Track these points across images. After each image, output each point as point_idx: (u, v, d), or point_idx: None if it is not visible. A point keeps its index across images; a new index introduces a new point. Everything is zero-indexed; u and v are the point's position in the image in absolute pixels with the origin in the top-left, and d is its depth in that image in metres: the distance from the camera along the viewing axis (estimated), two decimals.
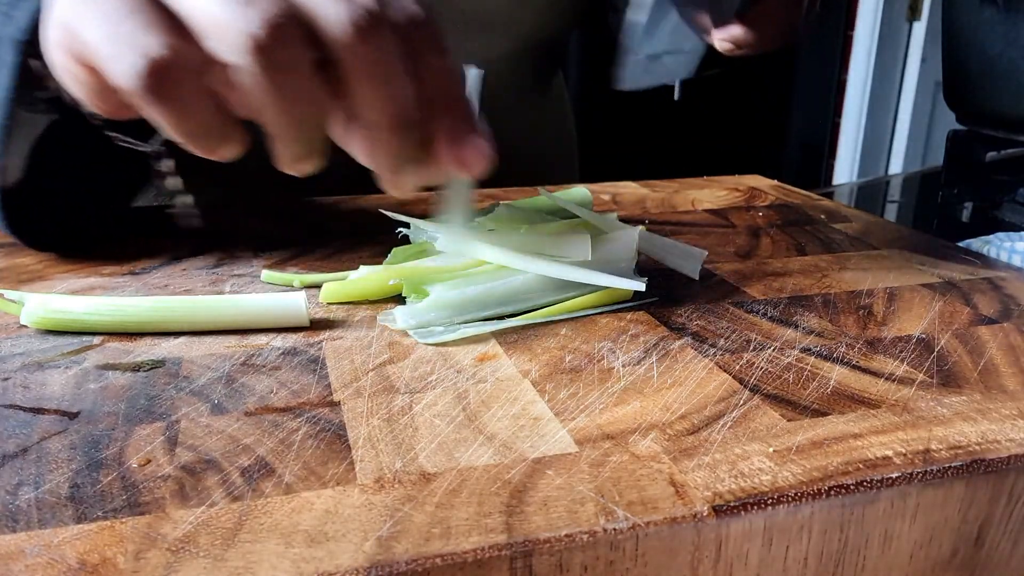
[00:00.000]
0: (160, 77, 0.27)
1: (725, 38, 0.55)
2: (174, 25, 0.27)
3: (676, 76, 0.57)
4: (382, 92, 0.28)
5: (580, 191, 0.51)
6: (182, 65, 0.27)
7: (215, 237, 0.46)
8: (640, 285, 0.35)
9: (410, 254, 0.39)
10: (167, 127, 0.28)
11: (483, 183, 0.58)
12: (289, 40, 0.28)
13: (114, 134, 0.38)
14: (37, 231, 0.43)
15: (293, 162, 0.31)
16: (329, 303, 0.36)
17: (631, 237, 0.38)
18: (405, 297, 0.35)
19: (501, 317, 0.34)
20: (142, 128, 0.36)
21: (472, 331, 0.33)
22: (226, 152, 0.30)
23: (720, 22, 0.53)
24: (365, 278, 0.36)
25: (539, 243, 0.37)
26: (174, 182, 0.41)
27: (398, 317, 0.33)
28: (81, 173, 0.44)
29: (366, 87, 0.28)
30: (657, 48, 0.55)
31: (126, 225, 0.49)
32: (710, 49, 0.57)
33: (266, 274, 0.39)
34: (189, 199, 0.45)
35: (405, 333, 0.33)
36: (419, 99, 0.29)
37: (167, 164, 0.41)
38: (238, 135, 0.29)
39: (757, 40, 0.55)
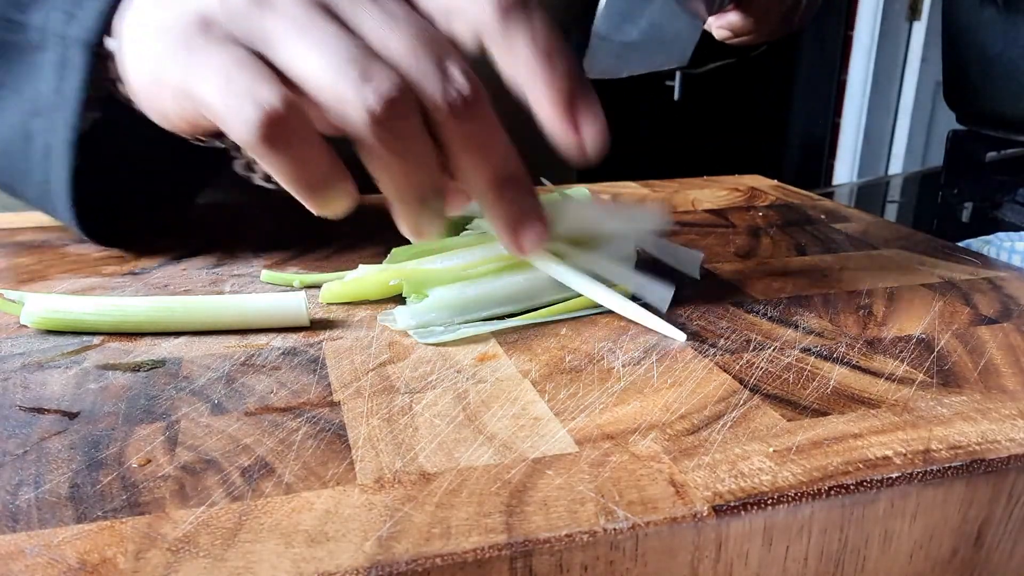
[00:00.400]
0: (276, 127, 0.28)
1: (722, 25, 0.55)
2: (285, 78, 0.29)
3: (658, 66, 0.51)
4: (483, 160, 0.31)
5: (580, 191, 0.51)
6: (298, 115, 0.28)
7: (215, 237, 0.46)
8: (664, 303, 0.36)
9: (410, 254, 0.39)
10: (282, 177, 0.30)
11: None
12: (405, 112, 0.30)
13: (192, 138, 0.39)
14: (108, 228, 0.44)
15: (417, 229, 0.32)
16: (329, 303, 0.36)
17: (585, 201, 0.38)
18: (405, 297, 0.35)
19: (501, 317, 0.34)
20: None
21: (472, 331, 0.33)
22: (337, 206, 0.31)
23: (717, 8, 0.52)
24: (365, 278, 0.36)
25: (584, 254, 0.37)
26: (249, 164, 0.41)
27: (398, 317, 0.33)
28: (142, 168, 0.45)
29: (470, 155, 0.31)
30: (634, 34, 0.49)
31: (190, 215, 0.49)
32: (709, 40, 0.56)
33: (266, 274, 0.39)
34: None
35: (405, 333, 0.33)
36: (516, 149, 0.32)
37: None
38: (350, 190, 0.30)
39: (755, 27, 0.55)
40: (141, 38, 0.33)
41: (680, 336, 0.33)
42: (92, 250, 0.44)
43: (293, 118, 0.29)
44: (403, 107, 0.29)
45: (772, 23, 0.56)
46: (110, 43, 0.36)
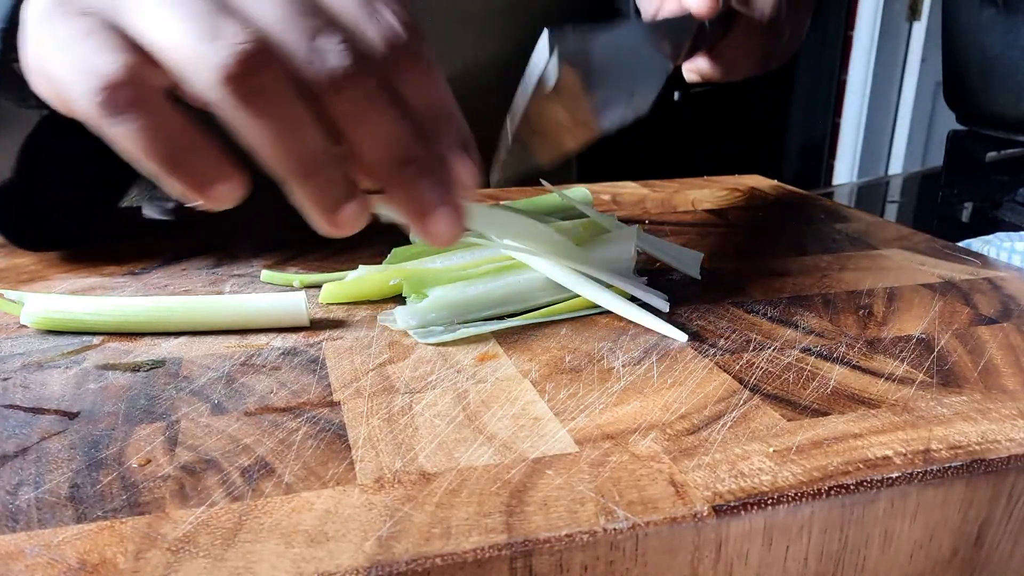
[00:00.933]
0: (114, 94, 0.25)
1: (691, 69, 0.54)
2: (134, 47, 0.26)
3: (616, 122, 0.44)
4: (376, 135, 0.27)
5: (580, 191, 0.51)
6: (141, 81, 0.26)
7: (215, 237, 0.46)
8: (665, 305, 0.36)
9: (410, 254, 0.39)
10: (134, 152, 0.26)
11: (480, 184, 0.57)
12: (260, 67, 0.26)
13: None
14: (27, 231, 0.43)
15: (323, 212, 0.28)
16: (329, 303, 0.36)
17: (629, 236, 0.38)
18: (405, 297, 0.35)
19: (501, 317, 0.34)
20: None
21: (472, 331, 0.33)
22: (222, 192, 0.27)
23: (688, 55, 0.51)
24: (365, 278, 0.36)
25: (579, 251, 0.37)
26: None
27: (398, 317, 0.33)
28: (70, 172, 0.44)
29: (359, 132, 0.27)
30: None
31: (115, 224, 0.49)
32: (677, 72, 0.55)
33: (266, 274, 0.39)
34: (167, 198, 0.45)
35: (405, 333, 0.33)
36: (415, 127, 0.28)
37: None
38: (232, 173, 0.27)
39: (724, 75, 0.54)
40: (27, 24, 0.29)
41: (681, 336, 0.33)
42: (92, 250, 0.44)
43: (135, 85, 0.26)
44: (258, 62, 0.26)
45: (741, 72, 0.55)
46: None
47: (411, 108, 0.28)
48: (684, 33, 0.45)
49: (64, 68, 0.26)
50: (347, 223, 0.28)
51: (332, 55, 0.26)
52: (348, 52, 0.26)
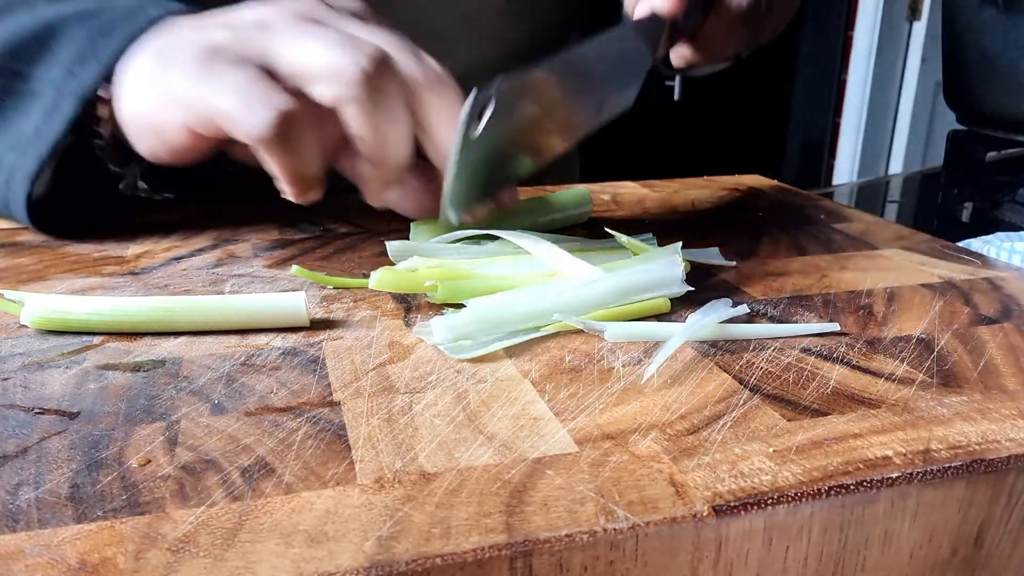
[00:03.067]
0: (287, 127, 0.34)
1: (678, 56, 0.54)
2: (290, 87, 0.35)
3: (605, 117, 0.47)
4: (449, 131, 0.36)
5: (580, 190, 0.51)
6: (303, 116, 0.34)
7: (215, 237, 0.46)
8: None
9: (433, 229, 0.42)
10: (283, 171, 0.35)
11: None
12: (390, 71, 0.35)
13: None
14: (55, 219, 0.45)
15: (383, 189, 0.38)
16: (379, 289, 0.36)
17: (673, 253, 0.37)
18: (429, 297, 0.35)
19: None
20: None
21: (506, 343, 0.32)
22: (314, 196, 0.37)
23: (671, 43, 0.51)
24: (417, 271, 0.37)
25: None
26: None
27: (435, 330, 0.31)
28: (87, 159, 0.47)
29: (444, 125, 0.37)
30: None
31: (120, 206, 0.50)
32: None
33: (296, 269, 0.38)
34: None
35: (405, 333, 0.33)
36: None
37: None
38: (323, 182, 0.37)
39: (708, 60, 0.55)
40: (147, 74, 0.38)
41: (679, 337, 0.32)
42: (92, 250, 0.44)
43: (300, 118, 0.34)
44: (388, 66, 0.35)
45: (728, 53, 0.55)
46: (103, 91, 0.40)
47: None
48: (657, 29, 0.47)
49: (238, 105, 0.34)
50: (390, 202, 0.40)
51: (430, 63, 0.37)
52: (437, 63, 0.37)
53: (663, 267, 0.36)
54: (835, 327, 0.34)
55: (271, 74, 0.35)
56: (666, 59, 0.53)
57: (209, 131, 0.36)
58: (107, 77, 0.39)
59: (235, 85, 0.34)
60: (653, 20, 0.46)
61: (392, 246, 0.40)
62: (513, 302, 0.33)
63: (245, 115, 0.34)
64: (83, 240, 0.45)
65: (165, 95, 0.37)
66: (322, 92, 0.35)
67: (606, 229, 0.42)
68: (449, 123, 0.36)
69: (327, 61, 0.34)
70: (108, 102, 0.40)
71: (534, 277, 0.36)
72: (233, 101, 0.34)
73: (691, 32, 0.50)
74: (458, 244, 0.40)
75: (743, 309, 0.34)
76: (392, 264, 0.39)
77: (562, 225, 0.49)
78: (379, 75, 0.35)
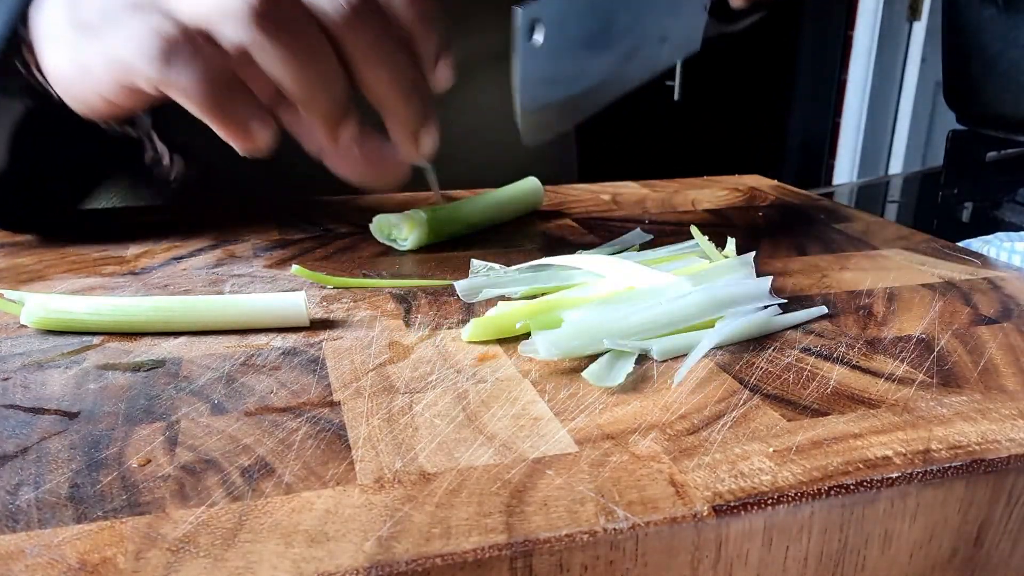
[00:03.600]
0: (175, 48, 0.31)
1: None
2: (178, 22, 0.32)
3: (669, 61, 0.48)
4: (384, 68, 0.33)
5: (530, 181, 0.52)
6: (193, 40, 0.31)
7: (215, 237, 0.46)
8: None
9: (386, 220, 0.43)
10: (190, 97, 0.32)
11: (480, 183, 0.58)
12: (285, 4, 0.31)
13: (107, 125, 0.41)
14: (11, 213, 0.44)
15: (330, 142, 0.34)
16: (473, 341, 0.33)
17: (748, 263, 0.37)
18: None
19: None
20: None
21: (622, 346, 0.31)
22: (258, 137, 0.33)
23: None
24: (506, 315, 0.34)
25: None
26: (160, 156, 0.44)
27: (540, 347, 0.30)
28: (53, 157, 0.45)
29: (372, 65, 0.32)
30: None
31: (83, 206, 0.50)
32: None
33: (296, 268, 0.38)
34: (171, 171, 0.46)
35: (405, 333, 0.33)
36: (408, 53, 0.34)
37: (154, 145, 0.44)
38: (267, 117, 0.33)
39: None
40: (61, 30, 0.35)
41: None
42: (92, 250, 0.44)
43: (191, 41, 0.31)
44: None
45: None
46: (24, 33, 0.37)
47: (402, 25, 0.33)
48: None
49: (123, 42, 0.32)
50: (344, 142, 0.34)
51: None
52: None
53: (755, 282, 0.36)
54: (823, 310, 0.35)
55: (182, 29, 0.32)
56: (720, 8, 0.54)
57: (126, 91, 0.34)
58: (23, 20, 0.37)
59: (118, 24, 0.32)
60: None
61: (461, 286, 0.37)
62: (610, 315, 0.32)
63: (137, 53, 0.31)
64: (78, 242, 0.45)
65: (78, 56, 0.35)
66: (223, 36, 0.31)
67: (692, 229, 0.41)
68: (377, 56, 0.32)
69: (207, 4, 0.31)
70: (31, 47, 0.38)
71: (617, 293, 0.34)
72: (120, 41, 0.32)
73: None
74: (524, 274, 0.38)
75: (775, 310, 0.34)
76: (391, 265, 0.39)
77: (513, 216, 0.51)
78: (275, 7, 0.31)
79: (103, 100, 0.35)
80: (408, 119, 0.34)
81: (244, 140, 0.33)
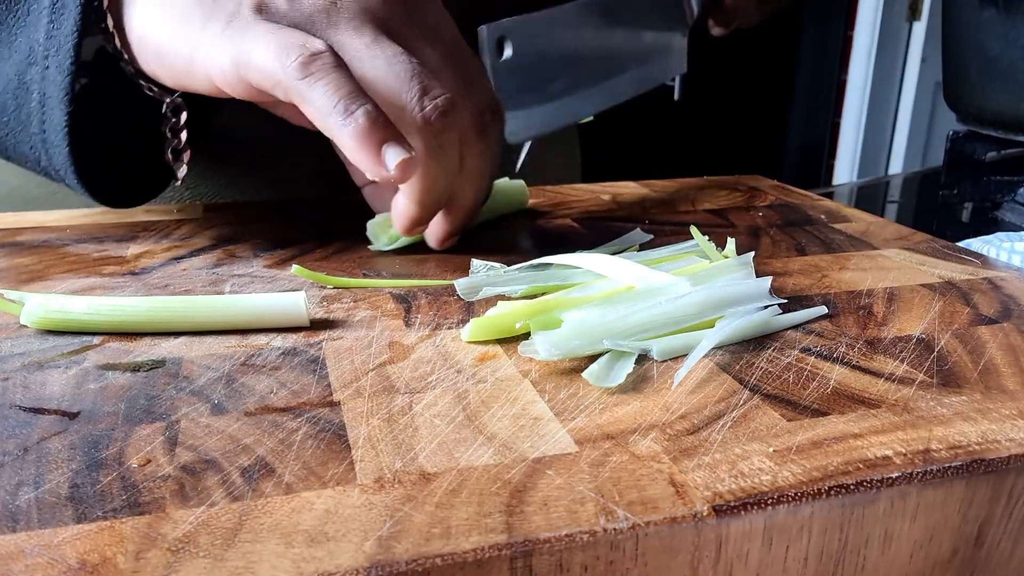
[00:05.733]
0: (313, 59, 0.33)
1: (711, 26, 0.57)
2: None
3: (656, 81, 0.54)
4: (487, 171, 0.40)
5: (516, 184, 0.52)
6: (335, 55, 0.33)
7: (215, 237, 0.46)
8: None
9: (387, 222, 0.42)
10: (322, 113, 0.33)
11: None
12: (451, 124, 0.35)
13: (146, 84, 0.41)
14: (107, 185, 0.43)
15: (407, 222, 0.40)
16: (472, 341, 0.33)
17: (747, 263, 0.37)
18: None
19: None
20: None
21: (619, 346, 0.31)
22: (392, 163, 0.33)
23: (693, 17, 0.54)
24: (505, 315, 0.34)
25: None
26: (179, 136, 0.43)
27: (540, 348, 0.30)
28: (133, 127, 0.45)
29: (469, 184, 0.40)
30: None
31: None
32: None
33: (296, 268, 0.38)
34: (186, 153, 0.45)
35: (405, 333, 0.33)
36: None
37: (177, 119, 0.43)
38: (404, 146, 0.34)
39: (737, 21, 0.57)
40: (176, 4, 0.36)
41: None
42: (92, 250, 0.44)
43: (332, 54, 0.33)
44: (451, 118, 0.35)
45: (754, 15, 0.58)
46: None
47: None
48: None
49: (265, 46, 0.33)
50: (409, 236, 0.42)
51: (488, 99, 0.38)
52: (486, 118, 0.38)
53: (755, 282, 0.36)
54: (823, 310, 0.35)
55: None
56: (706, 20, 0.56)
57: (242, 84, 0.35)
58: None
59: (283, 43, 0.33)
60: None
61: (461, 285, 0.37)
62: (610, 315, 0.32)
63: (277, 57, 0.32)
64: (78, 242, 0.45)
65: (194, 35, 0.35)
66: (405, 132, 0.34)
67: (692, 229, 0.41)
68: (485, 167, 0.38)
69: (395, 95, 0.34)
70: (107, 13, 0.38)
71: (617, 293, 0.34)
72: (268, 45, 0.33)
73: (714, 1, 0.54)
74: (524, 272, 0.38)
75: (774, 310, 0.34)
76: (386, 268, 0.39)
77: (494, 216, 0.51)
78: (443, 128, 0.34)
79: (209, 83, 0.36)
80: (461, 221, 0.42)
81: (377, 165, 0.33)
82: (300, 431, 0.25)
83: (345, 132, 0.33)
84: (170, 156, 0.43)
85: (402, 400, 0.28)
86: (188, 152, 0.43)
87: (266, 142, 0.55)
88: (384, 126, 0.33)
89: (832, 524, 0.23)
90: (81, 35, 0.37)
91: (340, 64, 0.33)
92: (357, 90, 0.33)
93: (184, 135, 0.43)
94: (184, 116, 0.43)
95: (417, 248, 0.44)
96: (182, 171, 0.43)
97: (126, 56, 0.38)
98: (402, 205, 0.38)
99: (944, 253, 0.45)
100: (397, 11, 0.36)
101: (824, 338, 0.33)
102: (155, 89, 0.41)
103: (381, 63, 0.34)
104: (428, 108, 0.34)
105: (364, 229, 0.46)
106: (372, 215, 0.46)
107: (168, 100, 0.42)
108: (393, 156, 0.33)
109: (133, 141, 0.45)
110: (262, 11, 0.35)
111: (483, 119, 0.37)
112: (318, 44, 0.33)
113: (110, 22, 0.38)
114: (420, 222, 0.40)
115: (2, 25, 0.39)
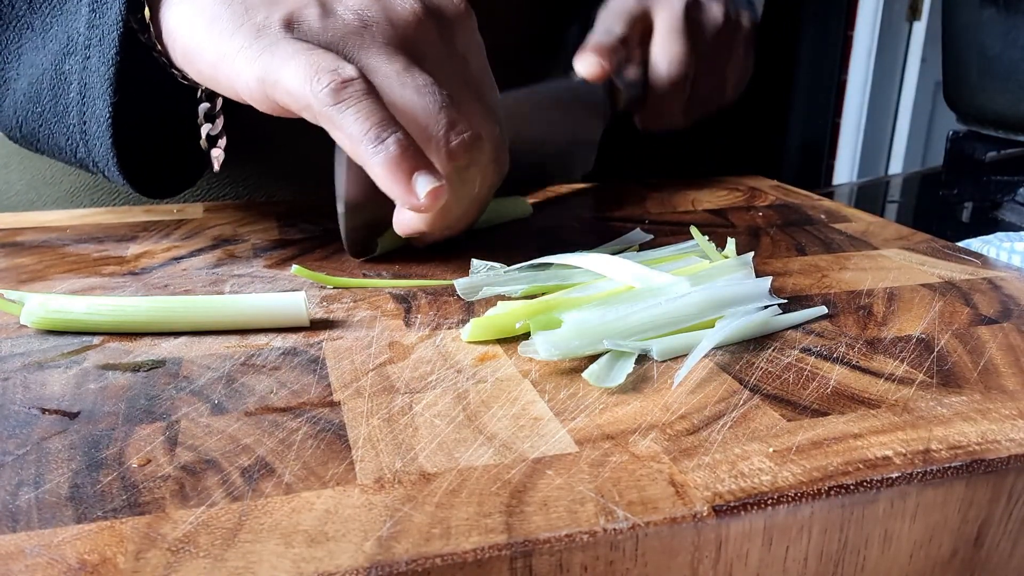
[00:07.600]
0: (347, 85, 0.33)
1: (638, 121, 0.60)
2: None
3: (562, 177, 0.58)
4: (484, 208, 0.42)
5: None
6: (365, 86, 0.33)
7: (215, 237, 0.46)
8: None
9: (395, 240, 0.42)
10: (354, 139, 0.33)
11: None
12: (475, 159, 0.36)
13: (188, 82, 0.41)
14: (146, 175, 0.43)
15: (421, 239, 0.41)
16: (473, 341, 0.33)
17: (746, 264, 0.37)
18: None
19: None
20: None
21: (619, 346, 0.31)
22: (422, 193, 0.33)
23: (609, 119, 0.57)
24: (505, 315, 0.33)
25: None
26: (214, 129, 0.43)
27: (540, 348, 0.30)
28: (172, 116, 0.45)
29: (481, 204, 0.41)
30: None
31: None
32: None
33: (296, 268, 0.38)
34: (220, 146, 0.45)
35: (405, 333, 0.33)
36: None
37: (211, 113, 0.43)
38: (435, 176, 0.33)
39: (655, 123, 0.60)
40: (206, 7, 0.35)
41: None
42: (92, 250, 0.44)
43: (365, 81, 0.33)
44: (477, 153, 0.36)
45: (675, 122, 0.61)
46: None
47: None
48: (594, 93, 0.54)
49: (295, 68, 0.33)
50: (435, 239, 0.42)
51: (501, 144, 0.39)
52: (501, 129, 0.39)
53: (754, 282, 0.36)
54: (822, 310, 0.35)
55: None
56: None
57: (267, 101, 0.35)
58: None
59: (312, 66, 0.32)
60: (588, 84, 0.53)
61: (461, 285, 0.37)
62: (610, 315, 0.32)
63: (308, 81, 0.32)
64: (78, 242, 0.45)
65: (224, 44, 0.35)
66: (434, 159, 0.34)
67: (692, 229, 0.41)
68: (490, 196, 0.40)
69: (423, 125, 0.34)
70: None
71: (617, 293, 0.34)
72: (298, 67, 0.33)
73: (637, 102, 0.58)
74: (524, 272, 0.38)
75: (774, 310, 0.34)
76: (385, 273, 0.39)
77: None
78: (468, 163, 0.35)
79: (233, 93, 0.36)
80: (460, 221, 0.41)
81: (408, 194, 0.33)
82: (300, 431, 0.25)
83: (376, 160, 0.32)
84: (205, 143, 0.43)
85: (402, 400, 0.28)
86: (224, 139, 0.43)
87: (267, 139, 0.55)
88: (415, 155, 0.33)
89: (832, 524, 0.23)
90: (126, 25, 0.37)
91: (371, 91, 0.33)
92: (388, 118, 0.33)
93: (220, 121, 0.43)
94: (220, 102, 0.42)
95: (417, 248, 0.44)
96: (218, 156, 0.43)
97: (159, 47, 0.38)
98: (411, 221, 0.38)
99: (944, 253, 0.45)
100: (430, 36, 0.36)
101: (824, 338, 0.33)
102: (189, 79, 0.40)
103: (411, 92, 0.34)
104: (455, 144, 0.34)
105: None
106: None
107: (203, 88, 0.42)
108: (423, 185, 0.33)
109: (170, 130, 0.45)
110: (292, 28, 0.34)
111: (499, 153, 0.38)
112: (350, 70, 0.32)
113: (147, 13, 0.38)
114: (425, 238, 0.40)
115: (36, 14, 0.39)
